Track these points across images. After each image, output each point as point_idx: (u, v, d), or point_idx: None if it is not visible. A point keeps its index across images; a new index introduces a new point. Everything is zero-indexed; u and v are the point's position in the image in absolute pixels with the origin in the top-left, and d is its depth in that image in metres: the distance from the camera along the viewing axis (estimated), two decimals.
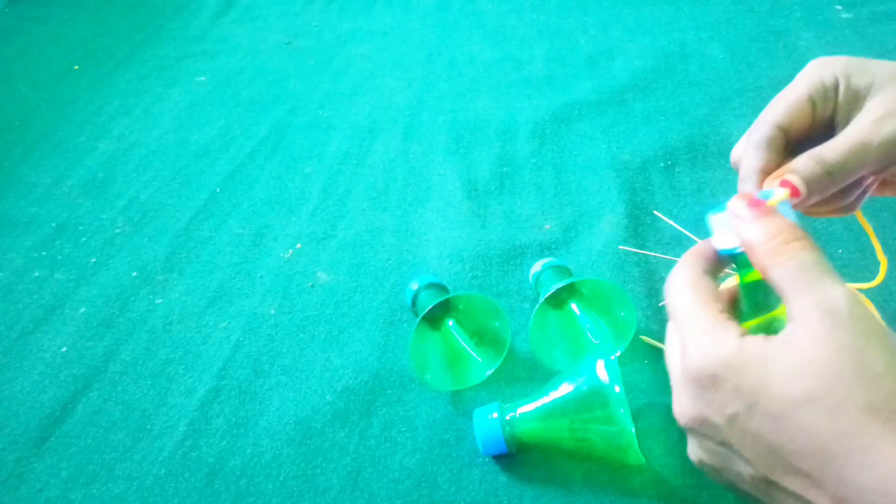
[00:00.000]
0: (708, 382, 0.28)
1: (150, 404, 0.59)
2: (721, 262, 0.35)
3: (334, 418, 0.56)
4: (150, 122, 1.03)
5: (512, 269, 0.69)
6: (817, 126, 0.36)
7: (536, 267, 0.63)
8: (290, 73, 1.13)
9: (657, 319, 0.62)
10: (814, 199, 0.35)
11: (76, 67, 1.21)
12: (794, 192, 0.34)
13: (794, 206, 0.34)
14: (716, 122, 0.88)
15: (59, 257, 0.77)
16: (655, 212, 0.37)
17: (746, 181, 0.36)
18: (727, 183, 0.77)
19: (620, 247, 0.69)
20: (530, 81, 1.04)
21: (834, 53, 0.38)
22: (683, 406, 0.30)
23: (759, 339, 0.28)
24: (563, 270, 0.62)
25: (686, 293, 0.32)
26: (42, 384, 0.62)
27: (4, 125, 1.06)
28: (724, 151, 0.83)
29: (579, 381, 0.50)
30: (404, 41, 1.20)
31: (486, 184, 0.82)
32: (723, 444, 0.29)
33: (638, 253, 0.69)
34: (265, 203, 0.83)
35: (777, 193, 0.33)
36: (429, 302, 0.59)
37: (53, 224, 0.83)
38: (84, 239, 0.80)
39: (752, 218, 0.31)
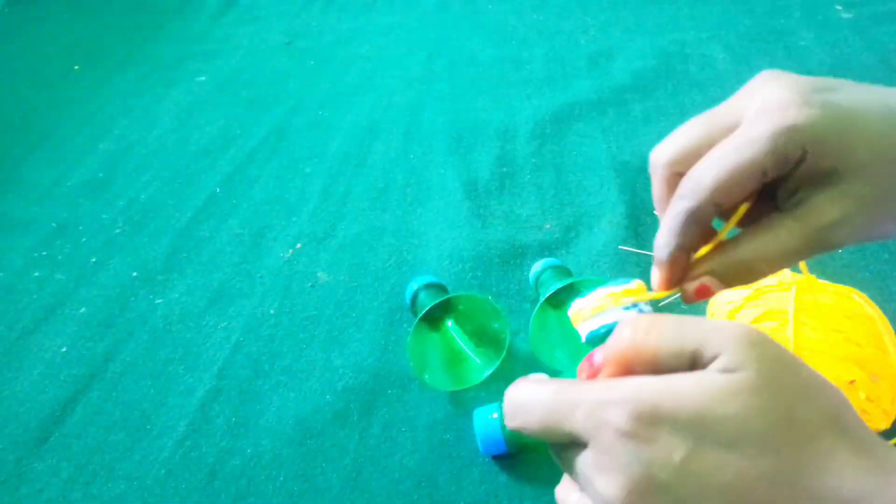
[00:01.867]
0: (643, 429, 0.22)
1: (150, 404, 0.59)
2: None
3: (334, 418, 0.56)
4: (150, 122, 1.03)
5: (512, 270, 0.69)
6: (754, 192, 0.30)
7: (536, 267, 0.63)
8: (290, 73, 1.13)
9: None
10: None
11: (76, 67, 1.21)
12: (707, 294, 0.30)
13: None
14: None
15: (59, 257, 0.77)
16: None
17: (661, 266, 0.31)
18: None
19: (621, 247, 0.69)
20: (530, 81, 1.04)
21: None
22: (619, 477, 0.22)
23: (680, 375, 0.23)
24: (562, 270, 0.62)
25: (554, 386, 0.25)
26: (42, 384, 0.62)
27: (4, 125, 1.06)
28: None
29: None
30: (404, 41, 1.20)
31: (487, 184, 0.82)
32: None
33: (638, 253, 0.69)
34: (265, 203, 0.83)
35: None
36: (428, 302, 0.59)
37: (53, 224, 0.83)
38: (84, 239, 0.80)
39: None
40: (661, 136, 0.86)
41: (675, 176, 0.31)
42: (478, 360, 0.59)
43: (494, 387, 0.58)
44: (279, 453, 0.54)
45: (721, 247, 0.30)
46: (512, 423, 0.26)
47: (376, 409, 0.57)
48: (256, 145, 0.95)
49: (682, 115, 0.90)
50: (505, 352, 0.58)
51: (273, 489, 0.51)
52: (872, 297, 0.52)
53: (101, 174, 0.92)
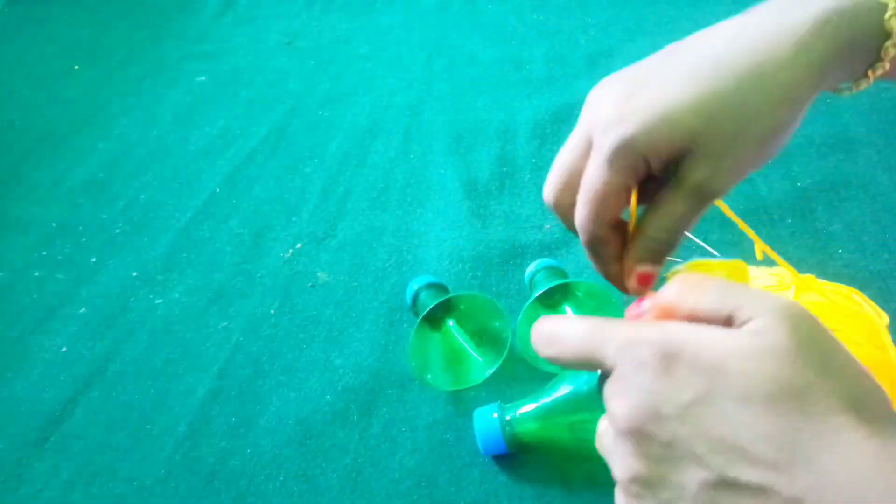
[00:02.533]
0: (661, 365, 0.24)
1: (150, 404, 0.59)
2: None
3: (334, 418, 0.56)
4: (150, 122, 1.03)
5: (512, 269, 0.69)
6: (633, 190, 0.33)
7: (531, 268, 0.63)
8: (290, 73, 1.13)
9: None
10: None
11: (76, 67, 1.21)
12: (648, 279, 0.33)
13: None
14: None
15: (60, 257, 0.77)
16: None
17: (613, 280, 0.35)
18: None
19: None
20: (530, 81, 1.04)
21: None
22: (628, 401, 0.25)
23: (712, 326, 0.25)
24: (556, 271, 0.62)
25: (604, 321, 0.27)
26: (42, 384, 0.62)
27: (4, 125, 1.06)
28: None
29: (579, 381, 0.50)
30: (404, 41, 1.20)
31: (487, 184, 0.82)
32: (669, 444, 0.24)
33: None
34: (265, 203, 0.83)
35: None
36: (429, 302, 0.59)
37: (53, 224, 0.83)
38: (84, 239, 0.80)
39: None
40: None
41: (570, 207, 0.34)
42: (479, 359, 0.59)
43: (495, 386, 0.58)
44: (279, 453, 0.54)
45: (634, 235, 0.33)
46: (547, 350, 0.28)
47: (376, 409, 0.57)
48: (256, 145, 0.95)
49: None
50: (507, 351, 0.58)
51: (273, 489, 0.51)
52: (872, 297, 0.53)
53: (101, 174, 0.92)
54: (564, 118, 0.93)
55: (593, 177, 0.32)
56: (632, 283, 0.34)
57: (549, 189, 0.35)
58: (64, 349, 0.65)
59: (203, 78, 1.15)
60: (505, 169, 0.84)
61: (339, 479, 0.52)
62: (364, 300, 0.68)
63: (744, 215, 0.74)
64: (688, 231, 0.33)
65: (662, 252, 0.33)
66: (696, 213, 0.32)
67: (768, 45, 0.30)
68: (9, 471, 0.54)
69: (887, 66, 0.31)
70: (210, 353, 0.63)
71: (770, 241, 0.70)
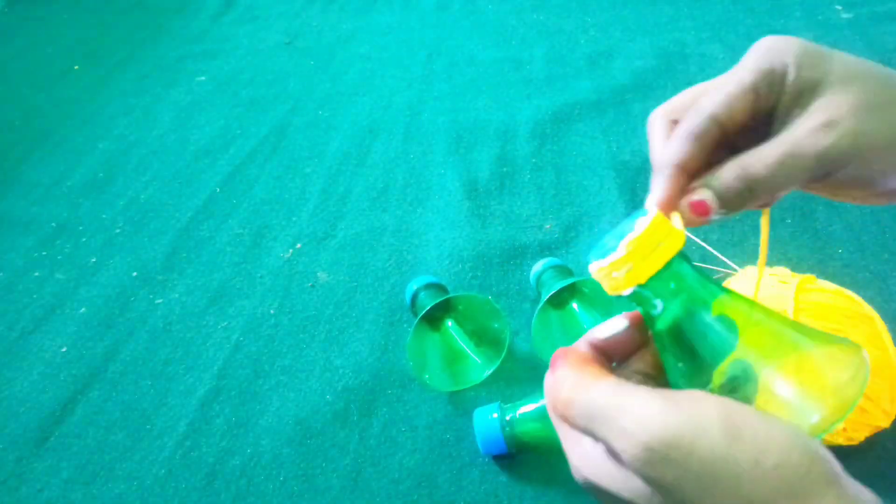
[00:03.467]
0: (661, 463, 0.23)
1: (149, 404, 0.59)
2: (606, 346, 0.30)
3: (334, 418, 0.56)
4: (150, 122, 1.03)
5: (512, 269, 0.69)
6: (755, 118, 0.31)
7: (537, 267, 0.63)
8: (290, 73, 1.13)
9: None
10: (728, 216, 0.30)
11: (76, 67, 1.21)
12: (704, 211, 0.30)
13: (703, 221, 0.30)
14: None
15: (60, 257, 0.77)
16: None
17: (660, 174, 0.31)
18: None
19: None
20: (531, 81, 1.04)
21: None
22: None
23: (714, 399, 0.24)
24: (563, 270, 0.62)
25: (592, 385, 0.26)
26: (42, 384, 0.62)
27: (4, 125, 1.06)
28: None
29: None
30: (404, 41, 1.20)
31: (487, 184, 0.82)
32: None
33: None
34: (265, 203, 0.83)
35: (673, 221, 0.29)
36: (428, 302, 0.59)
37: (53, 224, 0.83)
38: (84, 239, 0.80)
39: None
40: None
41: (673, 124, 0.32)
42: (478, 360, 0.59)
43: (494, 387, 0.58)
44: (279, 453, 0.54)
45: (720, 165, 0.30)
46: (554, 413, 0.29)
47: (376, 409, 0.57)
48: (256, 145, 0.95)
49: None
50: (505, 351, 0.58)
51: (273, 489, 0.51)
52: (872, 297, 0.53)
53: (101, 174, 0.92)
54: (564, 118, 0.93)
55: (729, 75, 0.30)
56: (685, 203, 0.30)
57: (669, 104, 0.33)
58: (64, 349, 0.65)
59: (203, 78, 1.15)
60: (505, 169, 0.84)
61: (339, 479, 0.52)
62: (364, 300, 0.68)
63: (743, 215, 0.74)
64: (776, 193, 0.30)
65: (741, 197, 0.30)
66: (800, 166, 0.28)
67: None
68: (9, 470, 0.54)
69: None
70: (210, 353, 0.63)
71: (770, 241, 0.70)
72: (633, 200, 0.76)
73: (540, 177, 0.82)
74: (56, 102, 1.11)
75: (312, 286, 0.70)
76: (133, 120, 1.04)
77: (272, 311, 0.67)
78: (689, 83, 1.05)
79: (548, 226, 0.75)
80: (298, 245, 0.76)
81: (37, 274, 0.75)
